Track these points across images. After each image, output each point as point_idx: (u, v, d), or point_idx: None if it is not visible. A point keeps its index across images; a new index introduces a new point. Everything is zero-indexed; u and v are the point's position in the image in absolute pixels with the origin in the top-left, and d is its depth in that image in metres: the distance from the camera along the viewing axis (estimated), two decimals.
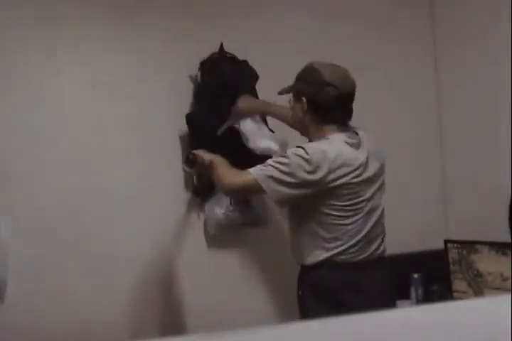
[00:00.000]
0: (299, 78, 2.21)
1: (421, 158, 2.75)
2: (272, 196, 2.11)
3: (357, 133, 2.18)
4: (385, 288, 2.18)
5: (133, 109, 2.61)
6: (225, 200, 2.61)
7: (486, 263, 2.62)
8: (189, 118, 2.61)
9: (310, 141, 2.21)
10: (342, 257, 2.12)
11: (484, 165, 2.88)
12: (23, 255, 2.24)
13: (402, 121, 2.98)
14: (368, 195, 2.14)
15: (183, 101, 2.66)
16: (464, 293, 2.71)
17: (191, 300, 2.62)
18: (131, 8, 2.61)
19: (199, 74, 2.64)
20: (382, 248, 2.22)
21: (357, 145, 2.13)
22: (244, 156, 2.47)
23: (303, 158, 2.04)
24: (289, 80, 2.81)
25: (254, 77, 2.67)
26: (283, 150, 2.36)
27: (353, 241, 2.12)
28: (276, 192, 2.08)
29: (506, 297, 0.90)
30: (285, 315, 2.73)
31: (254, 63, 2.70)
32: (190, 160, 2.31)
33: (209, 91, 2.62)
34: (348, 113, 2.18)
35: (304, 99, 2.14)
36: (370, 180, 2.15)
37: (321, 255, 2.12)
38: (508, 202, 2.39)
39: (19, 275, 2.03)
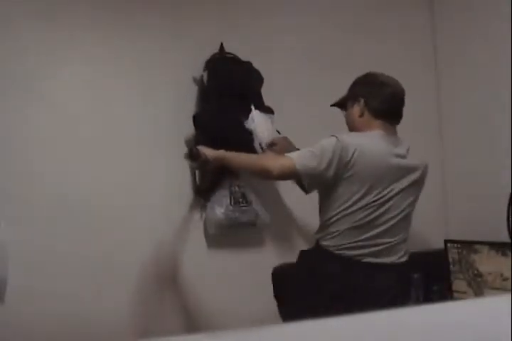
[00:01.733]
0: (355, 84, 2.36)
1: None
2: (304, 181, 2.15)
3: (399, 138, 2.30)
4: (387, 293, 2.15)
5: (134, 109, 2.61)
6: (225, 200, 2.61)
7: (486, 263, 2.62)
8: (196, 118, 2.61)
9: None
10: (346, 248, 2.15)
11: (484, 165, 2.88)
12: (23, 255, 2.24)
13: (401, 121, 2.98)
14: (394, 191, 2.18)
15: (185, 101, 2.66)
16: (464, 293, 2.71)
17: (191, 300, 2.62)
18: (131, 8, 2.61)
19: (205, 74, 2.64)
20: (401, 252, 2.23)
21: (394, 144, 2.23)
22: None
23: (335, 144, 2.12)
24: (290, 80, 2.84)
25: (260, 78, 2.68)
26: None
27: (363, 237, 2.15)
28: (309, 178, 2.13)
29: (506, 297, 0.90)
30: None
31: (254, 64, 2.71)
32: (193, 154, 2.30)
33: (216, 91, 2.61)
34: (397, 115, 2.32)
35: (362, 100, 2.28)
36: (396, 178, 2.19)
37: (328, 241, 2.17)
38: (507, 202, 2.40)
39: (19, 275, 2.02)
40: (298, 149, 2.37)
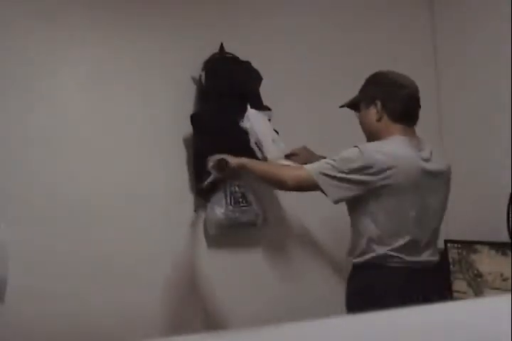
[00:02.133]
0: (369, 84, 2.26)
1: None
2: (327, 192, 2.09)
3: (420, 139, 2.22)
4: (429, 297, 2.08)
5: (134, 109, 2.61)
6: (225, 200, 2.61)
7: (486, 263, 2.61)
8: (194, 118, 2.61)
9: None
10: (388, 259, 2.09)
11: (484, 165, 2.88)
12: (23, 255, 2.24)
13: None
14: (420, 198, 2.11)
15: (185, 101, 2.66)
16: (464, 293, 2.71)
17: (191, 299, 2.62)
18: (131, 8, 2.61)
19: (203, 74, 2.64)
20: (432, 254, 2.19)
21: (418, 148, 2.15)
22: (251, 156, 2.47)
23: (356, 156, 2.06)
24: (289, 80, 2.84)
25: (259, 77, 2.67)
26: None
27: (399, 244, 2.09)
28: (331, 189, 2.08)
29: (506, 297, 0.90)
30: (285, 315, 2.73)
31: (253, 64, 2.71)
32: (221, 165, 2.30)
33: (214, 91, 2.61)
34: (415, 116, 2.22)
35: (379, 103, 2.18)
36: (425, 186, 2.12)
37: (367, 255, 2.11)
38: (507, 202, 2.40)
39: (19, 275, 2.02)
40: (322, 157, 2.31)
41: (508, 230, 2.43)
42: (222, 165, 2.29)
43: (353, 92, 2.29)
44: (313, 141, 2.64)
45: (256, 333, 0.92)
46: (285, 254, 2.86)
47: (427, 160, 2.14)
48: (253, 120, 2.51)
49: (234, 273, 2.72)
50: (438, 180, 2.17)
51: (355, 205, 2.14)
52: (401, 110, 2.17)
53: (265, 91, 2.68)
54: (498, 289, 2.54)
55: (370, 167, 2.03)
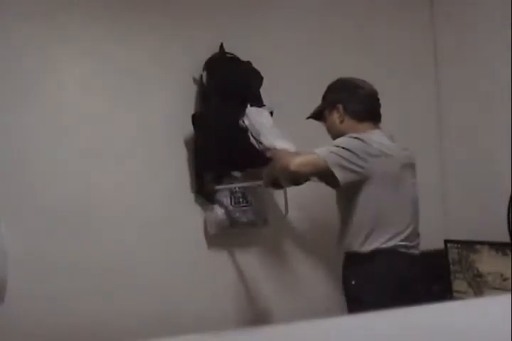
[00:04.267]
0: (329, 91, 2.37)
1: (421, 158, 2.73)
2: (337, 173, 2.11)
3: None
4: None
5: (134, 109, 2.60)
6: (226, 200, 2.61)
7: (486, 263, 2.61)
8: (195, 118, 2.60)
9: None
10: (393, 246, 2.17)
11: (484, 165, 2.88)
12: (23, 255, 2.24)
13: (401, 121, 2.98)
14: (408, 182, 2.24)
15: (185, 101, 2.66)
16: (464, 293, 2.71)
17: (191, 300, 2.62)
18: (131, 8, 2.61)
19: (204, 74, 2.63)
20: (419, 238, 2.29)
21: (393, 138, 2.29)
22: (253, 156, 2.47)
23: (356, 140, 2.15)
24: (289, 81, 2.83)
25: (260, 77, 2.67)
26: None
27: (400, 230, 2.18)
28: (341, 169, 2.12)
29: (506, 297, 0.90)
30: (285, 315, 2.73)
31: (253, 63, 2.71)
32: (278, 185, 2.35)
33: (215, 91, 2.60)
34: (378, 114, 2.33)
35: (340, 106, 2.29)
36: (407, 170, 2.26)
37: (373, 243, 2.17)
38: (508, 202, 2.39)
39: (19, 275, 2.02)
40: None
41: (509, 230, 2.43)
42: (278, 185, 2.34)
43: None
44: (313, 141, 2.64)
45: (256, 333, 0.92)
46: (285, 254, 2.86)
47: (405, 150, 2.28)
48: (251, 116, 2.51)
49: (234, 273, 2.72)
50: (413, 169, 2.30)
51: (350, 194, 2.19)
52: (363, 109, 2.28)
53: (265, 91, 2.68)
54: (498, 289, 2.53)
55: (370, 153, 2.13)
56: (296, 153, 2.25)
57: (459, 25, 3.05)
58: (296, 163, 2.13)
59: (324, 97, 2.38)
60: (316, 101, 2.85)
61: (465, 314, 0.92)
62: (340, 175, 2.12)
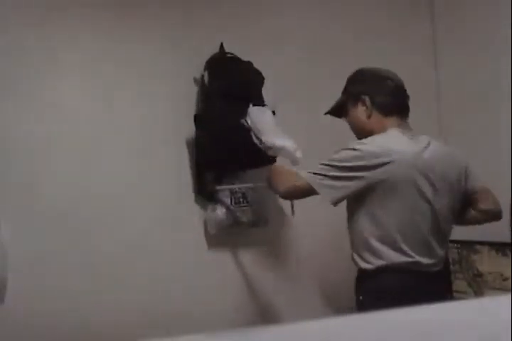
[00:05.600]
0: (351, 83, 2.19)
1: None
2: (322, 193, 2.01)
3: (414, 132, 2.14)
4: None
5: (134, 109, 2.60)
6: (226, 200, 2.61)
7: (486, 263, 2.62)
8: (198, 118, 2.60)
9: None
10: (400, 261, 1.99)
11: (484, 165, 2.88)
12: (23, 255, 2.24)
13: None
14: (424, 190, 2.01)
15: (185, 101, 2.66)
16: (464, 293, 2.71)
17: (191, 300, 2.62)
18: (131, 8, 2.61)
19: (206, 74, 2.63)
20: (443, 254, 2.10)
21: (415, 140, 2.06)
22: (255, 156, 2.47)
23: (352, 151, 1.99)
24: (290, 80, 2.84)
25: (261, 78, 2.67)
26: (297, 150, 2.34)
27: (410, 245, 2.00)
28: (328, 189, 1.99)
29: (506, 297, 0.90)
30: (285, 315, 2.73)
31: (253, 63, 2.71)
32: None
33: (217, 91, 2.59)
34: (406, 107, 2.15)
35: (367, 98, 2.11)
36: (429, 177, 2.02)
37: (379, 260, 2.01)
38: (508, 202, 2.39)
39: (19, 275, 2.02)
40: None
41: (511, 230, 2.43)
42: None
43: None
44: (314, 141, 2.65)
45: (256, 333, 0.92)
46: (285, 254, 2.86)
47: (423, 151, 2.04)
48: (254, 115, 2.50)
49: (234, 273, 2.72)
50: (442, 180, 2.06)
51: (355, 206, 2.06)
52: (391, 102, 2.11)
53: (265, 91, 2.68)
54: (498, 289, 2.54)
55: (365, 162, 1.95)
56: (287, 174, 2.17)
57: (459, 26, 3.05)
58: (283, 190, 2.13)
59: (346, 90, 2.19)
60: (317, 101, 2.85)
61: (465, 314, 0.92)
62: (328, 195, 2.00)
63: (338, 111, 2.24)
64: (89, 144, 2.51)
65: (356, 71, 2.20)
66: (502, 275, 2.54)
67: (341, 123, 2.74)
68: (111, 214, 2.52)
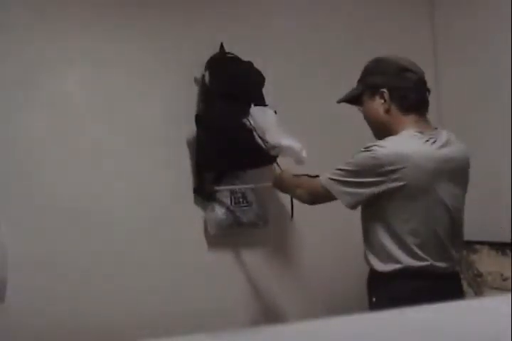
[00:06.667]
0: (369, 73, 2.06)
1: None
2: (340, 198, 1.99)
3: (435, 128, 2.05)
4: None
5: (134, 109, 2.60)
6: (226, 200, 2.61)
7: (486, 263, 2.62)
8: (199, 118, 2.60)
9: (383, 138, 2.01)
10: (416, 265, 1.94)
11: (485, 165, 2.88)
12: (23, 255, 2.24)
13: None
14: (441, 194, 1.97)
15: (185, 101, 2.66)
16: (464, 293, 2.72)
17: (191, 300, 2.62)
18: (131, 8, 2.61)
19: (206, 74, 2.63)
20: (457, 256, 2.06)
21: (434, 138, 1.98)
22: (254, 157, 2.47)
23: (369, 156, 1.91)
24: (290, 80, 2.84)
25: (262, 77, 2.66)
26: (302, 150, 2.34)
27: (427, 250, 1.95)
28: (344, 195, 1.97)
29: (506, 297, 0.90)
30: (285, 315, 2.73)
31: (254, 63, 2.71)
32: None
33: (218, 91, 2.59)
34: (426, 102, 2.04)
35: (385, 91, 1.98)
36: (445, 179, 1.98)
37: (395, 263, 1.95)
38: (508, 202, 2.39)
39: (19, 275, 2.03)
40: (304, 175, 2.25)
41: None
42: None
43: None
44: (314, 141, 2.64)
45: (256, 333, 0.92)
46: (285, 254, 2.86)
47: (440, 153, 1.97)
48: (256, 115, 2.50)
49: (234, 273, 2.72)
50: (455, 176, 2.01)
51: (370, 210, 2.01)
52: (412, 98, 1.99)
53: (266, 91, 2.68)
54: (498, 289, 2.54)
55: (381, 167, 1.89)
56: (299, 180, 2.20)
57: (459, 26, 3.05)
58: (307, 198, 2.14)
59: (363, 80, 2.07)
60: (317, 101, 2.85)
61: (465, 314, 0.92)
62: (345, 200, 1.97)
63: (354, 99, 2.12)
64: (89, 144, 2.51)
65: (375, 60, 2.06)
66: (502, 275, 2.54)
67: (341, 124, 2.75)
68: (111, 213, 2.52)
